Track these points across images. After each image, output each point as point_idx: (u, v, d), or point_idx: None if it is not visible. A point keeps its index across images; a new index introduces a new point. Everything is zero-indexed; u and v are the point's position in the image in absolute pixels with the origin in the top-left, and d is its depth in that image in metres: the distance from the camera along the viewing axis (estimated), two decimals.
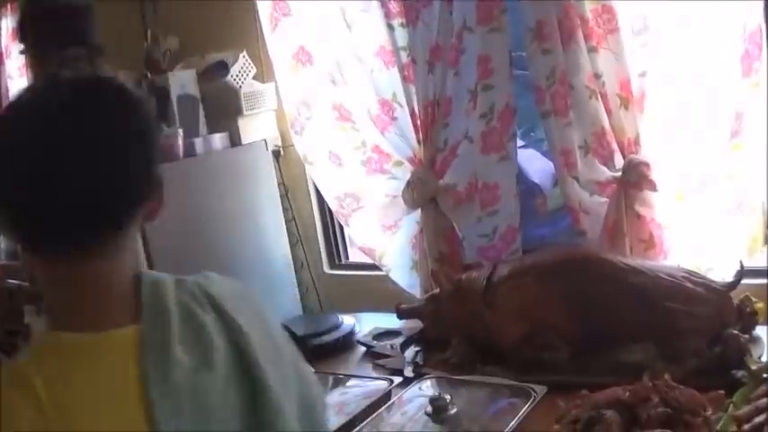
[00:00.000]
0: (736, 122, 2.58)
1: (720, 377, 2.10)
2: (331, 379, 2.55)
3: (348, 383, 2.52)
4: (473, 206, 3.16)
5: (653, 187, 2.74)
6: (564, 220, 3.19)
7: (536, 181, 3.91)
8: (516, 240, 3.13)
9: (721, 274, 2.63)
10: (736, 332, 2.23)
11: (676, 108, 2.69)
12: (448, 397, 2.08)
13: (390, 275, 3.46)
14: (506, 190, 3.10)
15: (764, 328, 2.44)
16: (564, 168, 2.89)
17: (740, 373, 2.09)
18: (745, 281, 2.42)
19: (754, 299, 2.44)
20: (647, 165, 2.73)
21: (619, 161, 2.80)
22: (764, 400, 1.86)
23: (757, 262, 2.69)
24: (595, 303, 2.39)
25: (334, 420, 2.19)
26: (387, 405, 2.24)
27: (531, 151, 4.02)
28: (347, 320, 3.07)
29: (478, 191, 3.13)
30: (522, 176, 3.28)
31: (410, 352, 2.72)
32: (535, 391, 2.16)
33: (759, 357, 2.25)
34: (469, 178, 3.15)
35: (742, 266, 2.40)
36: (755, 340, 2.36)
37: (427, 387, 2.34)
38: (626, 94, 2.72)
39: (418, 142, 3.19)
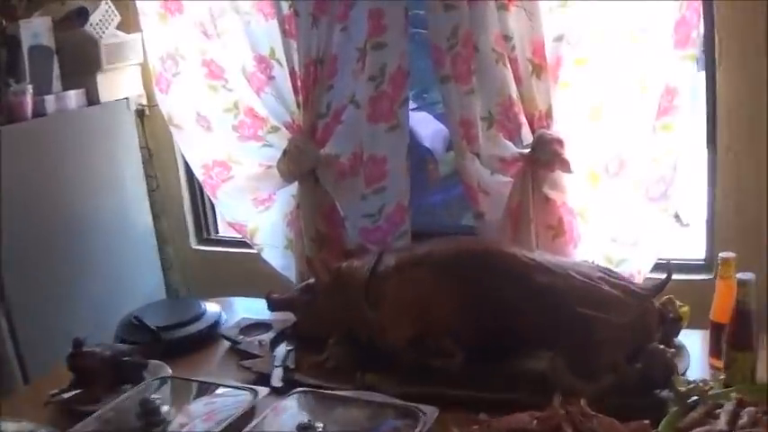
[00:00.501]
0: (666, 99, 2.53)
1: (642, 397, 1.91)
2: (195, 385, 2.26)
3: (217, 391, 2.23)
4: (357, 181, 3.03)
5: (566, 168, 2.63)
6: (457, 188, 3.16)
7: (427, 146, 3.85)
8: (405, 221, 3.05)
9: (635, 266, 2.62)
10: (661, 347, 2.00)
11: (596, 79, 2.59)
12: (320, 425, 1.80)
13: (263, 255, 3.35)
14: (396, 164, 2.98)
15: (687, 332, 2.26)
16: (463, 142, 2.78)
17: (665, 393, 1.90)
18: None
19: (678, 302, 2.22)
20: (559, 142, 2.62)
21: (527, 136, 2.69)
22: (697, 431, 1.70)
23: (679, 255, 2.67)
24: (496, 305, 2.14)
25: None
26: (257, 421, 1.94)
27: (423, 114, 4.00)
28: (211, 308, 2.79)
29: (364, 164, 2.99)
30: (413, 142, 3.19)
31: (281, 351, 2.45)
32: (424, 414, 1.91)
33: (684, 372, 2.05)
34: (354, 149, 3.02)
35: (669, 266, 2.15)
36: (679, 351, 2.16)
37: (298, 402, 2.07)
38: (539, 60, 2.60)
39: (297, 106, 3.05)
